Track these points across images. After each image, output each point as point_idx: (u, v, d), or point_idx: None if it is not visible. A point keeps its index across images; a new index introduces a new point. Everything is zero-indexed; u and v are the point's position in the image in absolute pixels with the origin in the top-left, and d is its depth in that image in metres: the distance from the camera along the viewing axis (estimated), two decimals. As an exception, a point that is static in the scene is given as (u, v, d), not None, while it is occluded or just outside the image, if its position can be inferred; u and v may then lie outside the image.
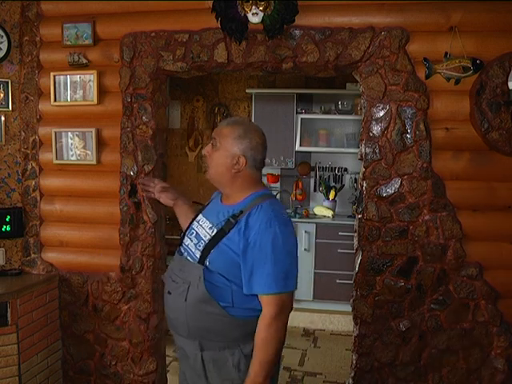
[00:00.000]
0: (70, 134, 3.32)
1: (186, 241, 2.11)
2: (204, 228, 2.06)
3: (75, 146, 3.32)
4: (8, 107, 3.39)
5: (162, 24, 3.14)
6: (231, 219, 1.96)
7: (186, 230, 2.18)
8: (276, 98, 5.74)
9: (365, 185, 3.03)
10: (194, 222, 2.13)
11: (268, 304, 1.90)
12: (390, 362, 3.05)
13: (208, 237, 2.00)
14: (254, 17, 2.89)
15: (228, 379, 2.01)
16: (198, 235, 2.06)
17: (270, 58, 3.03)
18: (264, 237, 1.89)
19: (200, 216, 2.14)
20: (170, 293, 2.07)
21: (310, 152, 5.95)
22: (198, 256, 1.99)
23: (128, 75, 3.19)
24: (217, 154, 2.03)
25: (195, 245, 2.04)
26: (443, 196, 2.93)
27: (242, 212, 1.96)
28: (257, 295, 1.92)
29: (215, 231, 1.99)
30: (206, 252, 1.97)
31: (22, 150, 3.43)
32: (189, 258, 2.05)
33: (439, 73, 2.86)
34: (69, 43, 3.25)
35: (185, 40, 3.10)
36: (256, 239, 1.90)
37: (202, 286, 1.93)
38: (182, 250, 2.11)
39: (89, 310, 3.41)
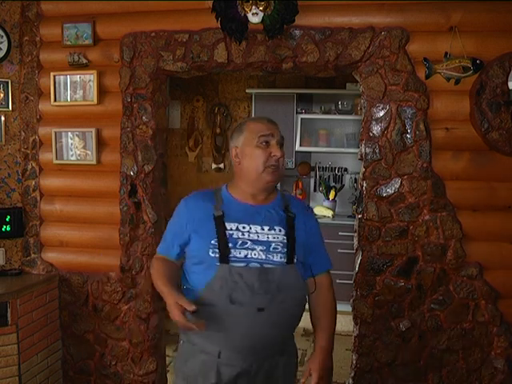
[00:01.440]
0: (69, 133, 3.32)
1: (239, 253, 1.88)
2: (260, 233, 1.93)
3: (75, 146, 3.32)
4: (8, 107, 3.39)
5: (162, 24, 3.14)
6: (290, 214, 2.02)
7: (221, 246, 1.88)
8: (276, 97, 5.74)
9: (365, 185, 3.03)
10: (233, 233, 1.90)
11: (328, 276, 2.14)
12: (390, 362, 3.05)
13: (281, 237, 1.94)
14: (254, 17, 2.89)
15: (294, 371, 2.12)
16: (257, 242, 1.90)
17: (270, 58, 3.03)
18: (313, 220, 2.14)
19: (236, 225, 1.92)
20: (261, 309, 1.85)
21: (309, 152, 5.95)
22: (283, 258, 1.91)
23: (128, 75, 3.19)
24: (284, 152, 2.04)
25: (264, 251, 1.90)
26: (443, 196, 2.93)
27: (287, 205, 2.05)
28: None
29: (284, 231, 1.96)
30: (292, 251, 1.94)
31: (22, 149, 3.43)
32: (266, 265, 1.89)
33: (439, 73, 2.86)
34: (69, 43, 3.25)
35: (185, 40, 3.10)
36: (310, 224, 2.08)
37: (303, 282, 1.98)
38: (240, 264, 1.87)
39: (89, 310, 3.41)
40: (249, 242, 1.90)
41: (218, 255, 1.87)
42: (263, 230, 1.93)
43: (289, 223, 1.98)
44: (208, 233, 1.91)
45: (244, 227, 1.93)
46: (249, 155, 1.97)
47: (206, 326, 1.82)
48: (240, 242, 1.90)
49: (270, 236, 1.93)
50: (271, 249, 1.91)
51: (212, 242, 1.89)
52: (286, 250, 1.92)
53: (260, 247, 1.90)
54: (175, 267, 2.07)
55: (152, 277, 2.06)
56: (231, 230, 1.91)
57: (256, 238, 1.91)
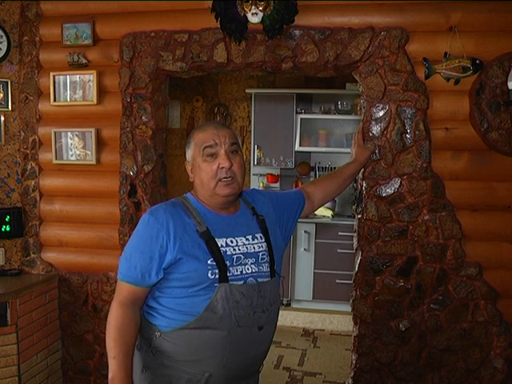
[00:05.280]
0: (69, 133, 3.32)
1: (236, 270, 1.75)
2: (247, 245, 1.82)
3: (75, 146, 3.32)
4: (8, 107, 3.39)
5: (161, 24, 3.14)
6: (260, 217, 1.91)
7: (220, 266, 1.72)
8: (276, 98, 5.75)
9: (364, 185, 3.03)
10: (226, 249, 1.76)
11: (305, 186, 2.44)
12: (390, 362, 3.05)
13: (264, 246, 1.85)
14: (254, 17, 2.89)
15: None
16: (247, 255, 1.79)
17: (270, 58, 3.03)
18: (265, 195, 2.11)
19: (224, 240, 1.78)
20: (261, 328, 1.79)
21: (309, 152, 5.96)
22: (268, 267, 1.84)
23: (128, 75, 3.19)
24: (241, 159, 1.85)
25: (255, 263, 1.80)
26: (443, 196, 2.93)
27: (253, 207, 1.94)
28: None
29: (263, 237, 1.87)
30: (273, 260, 1.86)
31: (22, 149, 3.43)
32: (260, 279, 1.80)
33: (439, 73, 2.86)
34: (68, 43, 3.25)
35: (184, 40, 3.10)
36: (267, 199, 2.07)
37: (279, 295, 1.91)
38: (239, 282, 1.75)
39: (88, 309, 3.41)
40: (242, 257, 1.78)
41: (217, 276, 1.71)
42: (248, 240, 1.82)
43: (263, 227, 1.89)
44: (201, 252, 1.73)
45: (232, 241, 1.79)
46: (198, 171, 1.81)
47: (198, 352, 1.73)
48: (235, 258, 1.76)
49: (255, 246, 1.83)
50: (260, 260, 1.82)
51: (208, 262, 1.71)
52: (269, 258, 1.85)
53: (251, 260, 1.79)
54: (138, 322, 1.82)
55: (109, 331, 1.85)
56: (222, 246, 1.76)
57: (245, 250, 1.80)
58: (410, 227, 2.96)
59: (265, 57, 3.02)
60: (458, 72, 2.83)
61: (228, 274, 1.72)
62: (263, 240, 1.87)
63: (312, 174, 5.97)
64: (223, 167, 1.76)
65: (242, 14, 2.91)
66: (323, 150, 5.78)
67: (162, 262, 1.72)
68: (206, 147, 1.78)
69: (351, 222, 4.53)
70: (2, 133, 3.39)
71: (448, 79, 2.86)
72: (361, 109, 3.12)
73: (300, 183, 5.87)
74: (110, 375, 1.71)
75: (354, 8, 2.95)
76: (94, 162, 3.31)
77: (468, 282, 2.94)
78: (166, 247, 1.71)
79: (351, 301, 3.13)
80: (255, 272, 1.79)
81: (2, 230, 3.33)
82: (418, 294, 2.98)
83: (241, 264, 1.77)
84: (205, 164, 1.78)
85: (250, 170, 6.05)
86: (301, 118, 5.72)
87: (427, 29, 2.90)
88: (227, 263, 1.73)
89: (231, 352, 1.74)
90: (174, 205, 1.84)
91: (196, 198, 1.87)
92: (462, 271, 2.94)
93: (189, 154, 1.87)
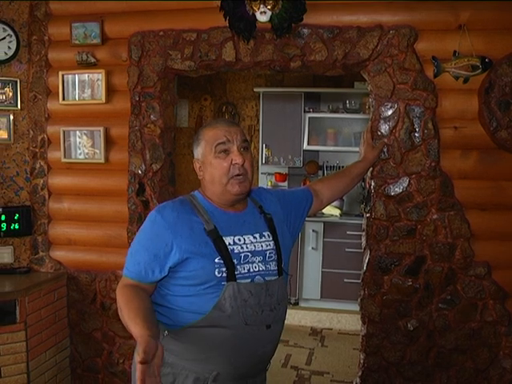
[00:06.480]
0: (78, 132, 3.34)
1: (244, 268, 1.75)
2: (255, 243, 1.82)
3: (83, 145, 3.34)
4: (17, 106, 3.41)
5: (170, 23, 3.14)
6: (268, 215, 1.91)
7: (227, 265, 1.72)
8: (284, 96, 5.75)
9: (373, 184, 3.02)
10: (233, 247, 1.76)
11: (313, 184, 2.42)
12: (398, 362, 3.04)
13: (272, 244, 1.85)
14: (262, 15, 2.89)
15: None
16: (255, 253, 1.80)
17: (278, 57, 3.02)
18: (273, 194, 2.11)
19: (232, 238, 1.78)
20: (269, 326, 1.78)
21: (317, 151, 5.95)
22: (276, 266, 1.84)
23: (136, 74, 3.20)
24: (251, 156, 1.86)
25: (262, 261, 1.80)
26: (451, 195, 2.92)
27: (261, 206, 1.95)
28: None
29: (271, 236, 1.87)
30: (280, 259, 1.86)
31: (31, 148, 3.45)
32: (267, 278, 1.80)
33: (448, 71, 2.85)
34: (77, 42, 3.26)
35: (193, 39, 3.10)
36: (275, 198, 2.07)
37: (287, 293, 1.91)
38: (246, 280, 1.75)
39: (97, 308, 3.43)
40: (249, 255, 1.78)
41: (225, 274, 1.71)
42: (256, 238, 1.83)
43: (270, 226, 1.89)
44: (208, 250, 1.72)
45: (239, 239, 1.79)
46: (209, 168, 1.81)
47: (206, 351, 1.74)
48: (242, 256, 1.76)
49: (263, 244, 1.83)
50: (267, 258, 1.82)
51: (216, 260, 1.71)
52: (276, 256, 1.85)
53: (258, 258, 1.79)
54: (149, 298, 1.77)
55: (119, 309, 1.70)
56: (229, 244, 1.76)
57: (253, 248, 1.80)
58: (419, 226, 2.95)
59: (273, 55, 3.02)
60: (467, 70, 2.82)
61: (235, 272, 1.72)
62: (271, 238, 1.87)
63: (320, 172, 5.96)
64: (236, 163, 1.77)
65: (251, 13, 2.90)
66: (331, 148, 5.77)
67: (166, 260, 1.73)
68: (218, 144, 1.79)
69: (359, 221, 4.51)
70: (11, 131, 3.41)
71: (457, 78, 2.85)
72: (369, 107, 3.11)
73: (308, 182, 5.86)
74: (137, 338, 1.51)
75: (362, 6, 2.94)
76: (102, 160, 3.32)
77: (476, 281, 2.93)
78: (171, 246, 1.73)
79: (359, 300, 3.13)
80: (262, 270, 1.79)
81: (11, 228, 3.36)
82: (427, 293, 2.97)
83: (248, 262, 1.77)
84: (217, 160, 1.79)
85: (258, 168, 6.05)
86: (309, 117, 5.71)
87: (436, 27, 2.88)
88: (235, 261, 1.73)
89: (239, 350, 1.75)
90: (181, 203, 1.85)
91: (203, 195, 1.88)
92: (471, 271, 2.93)
93: (198, 151, 1.87)
